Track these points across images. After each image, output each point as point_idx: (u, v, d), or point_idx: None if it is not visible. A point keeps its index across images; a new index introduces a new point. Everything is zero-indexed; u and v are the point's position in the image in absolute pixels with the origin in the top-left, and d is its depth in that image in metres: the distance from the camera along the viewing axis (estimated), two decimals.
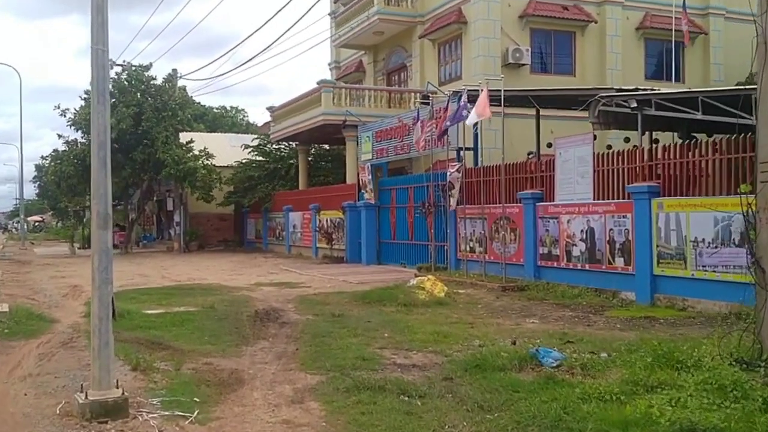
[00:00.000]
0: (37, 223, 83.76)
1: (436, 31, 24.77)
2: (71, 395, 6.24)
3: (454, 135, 16.70)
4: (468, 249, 16.23)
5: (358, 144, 23.27)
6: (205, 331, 9.84)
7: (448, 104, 15.73)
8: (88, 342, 9.31)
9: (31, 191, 70.49)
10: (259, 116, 73.36)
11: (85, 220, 49.94)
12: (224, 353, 8.38)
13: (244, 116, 63.65)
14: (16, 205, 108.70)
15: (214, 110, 58.53)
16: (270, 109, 30.02)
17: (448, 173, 16.22)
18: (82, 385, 6.09)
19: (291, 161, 30.96)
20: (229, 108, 62.30)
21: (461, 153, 17.10)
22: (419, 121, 17.34)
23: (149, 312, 11.52)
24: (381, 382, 6.55)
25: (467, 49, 23.66)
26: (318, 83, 25.05)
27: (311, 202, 25.74)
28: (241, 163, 31.70)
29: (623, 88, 14.36)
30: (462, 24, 23.66)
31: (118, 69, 28.42)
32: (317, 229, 25.09)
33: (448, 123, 15.31)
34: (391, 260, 20.62)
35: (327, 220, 24.39)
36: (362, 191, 22.05)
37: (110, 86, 23.56)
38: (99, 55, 6.21)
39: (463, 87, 15.55)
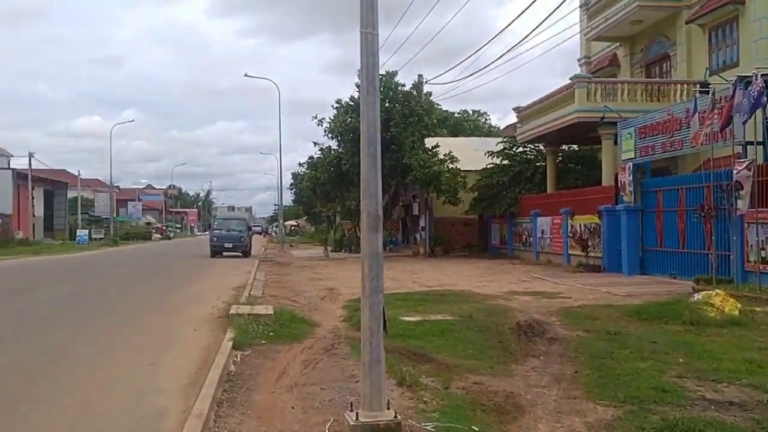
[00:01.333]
0: (292, 228, 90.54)
1: (706, 14, 22.10)
2: (338, 411, 5.77)
3: (738, 128, 14.42)
4: (760, 259, 13.86)
5: (616, 142, 21.38)
6: (468, 344, 9.10)
7: (734, 92, 13.54)
8: (350, 349, 9.02)
9: (287, 198, 76.15)
10: (498, 120, 72.38)
11: (335, 224, 52.77)
12: (493, 371, 7.52)
13: (485, 119, 63.19)
14: (275, 210, 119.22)
15: (456, 115, 58.72)
16: (516, 109, 28.98)
17: (735, 171, 13.95)
18: (351, 403, 5.54)
19: (537, 164, 29.65)
20: (470, 112, 62.20)
21: (749, 148, 14.71)
22: (696, 113, 15.24)
23: (407, 319, 11.03)
24: (699, 424, 5.26)
25: (745, 32, 20.77)
26: (571, 79, 23.50)
27: (562, 206, 24.25)
28: (486, 168, 30.97)
29: None
30: (738, 4, 20.83)
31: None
32: (569, 235, 23.54)
33: (745, 115, 13.10)
34: (657, 270, 18.52)
35: (580, 226, 22.76)
36: (621, 194, 20.16)
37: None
38: (368, 40, 5.63)
39: (756, 69, 13.29)
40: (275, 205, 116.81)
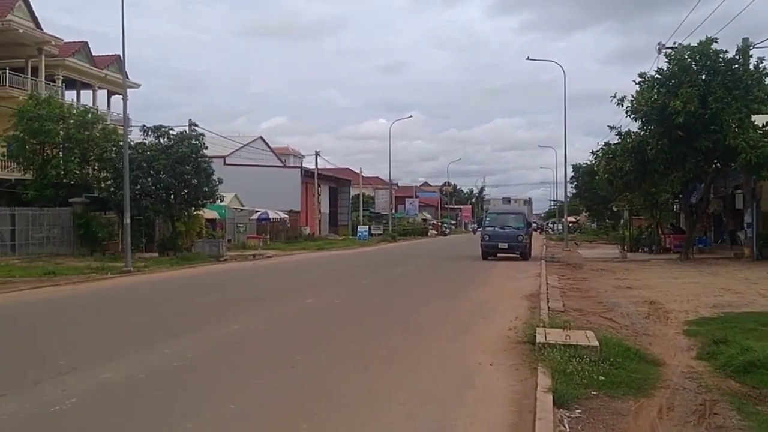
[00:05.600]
0: (571, 224, 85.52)
1: None
2: None
3: None
4: None
5: None
6: None
7: None
8: (741, 419, 5.53)
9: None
10: None
11: (622, 221, 47.50)
12: None
13: None
14: (550, 206, 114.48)
15: None
16: None
17: None
18: None
19: None
20: None
21: None
22: None
23: None
24: None
25: None
26: None
27: None
28: None
29: None
30: None
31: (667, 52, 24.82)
32: None
33: None
34: None
35: None
36: None
37: (671, 66, 18.51)
38: None
39: None
40: (551, 200, 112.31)
